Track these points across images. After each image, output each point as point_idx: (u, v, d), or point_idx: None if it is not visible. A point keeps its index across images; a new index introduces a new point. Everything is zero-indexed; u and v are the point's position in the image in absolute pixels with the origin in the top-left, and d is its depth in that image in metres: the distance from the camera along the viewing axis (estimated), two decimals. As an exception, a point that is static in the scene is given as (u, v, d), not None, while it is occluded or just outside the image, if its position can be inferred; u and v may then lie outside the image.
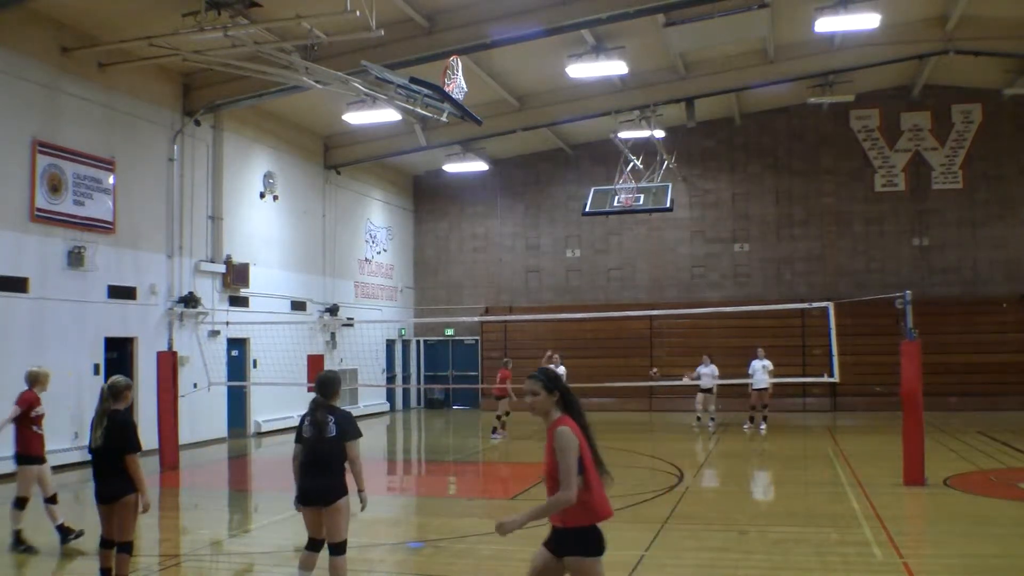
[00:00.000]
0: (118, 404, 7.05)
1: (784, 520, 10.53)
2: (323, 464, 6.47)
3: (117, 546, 7.00)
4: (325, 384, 6.71)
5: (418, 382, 28.75)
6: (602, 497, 4.73)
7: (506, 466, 16.53)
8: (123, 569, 7.04)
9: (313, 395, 6.73)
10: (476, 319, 26.30)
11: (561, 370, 18.51)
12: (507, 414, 19.42)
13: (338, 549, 6.49)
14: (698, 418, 21.16)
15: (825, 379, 14.40)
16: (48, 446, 14.24)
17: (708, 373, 20.35)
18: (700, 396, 20.93)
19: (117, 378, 7.21)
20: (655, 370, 23.07)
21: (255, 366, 20.18)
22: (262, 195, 20.95)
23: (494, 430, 19.36)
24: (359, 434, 6.63)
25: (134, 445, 6.96)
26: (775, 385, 19.60)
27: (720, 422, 21.05)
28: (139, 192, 17.08)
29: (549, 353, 19.57)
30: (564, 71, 18.92)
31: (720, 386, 22.08)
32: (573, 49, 18.36)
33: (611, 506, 4.76)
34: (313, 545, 6.62)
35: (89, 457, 7.15)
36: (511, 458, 17.32)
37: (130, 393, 7.19)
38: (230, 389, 19.43)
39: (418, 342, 29.13)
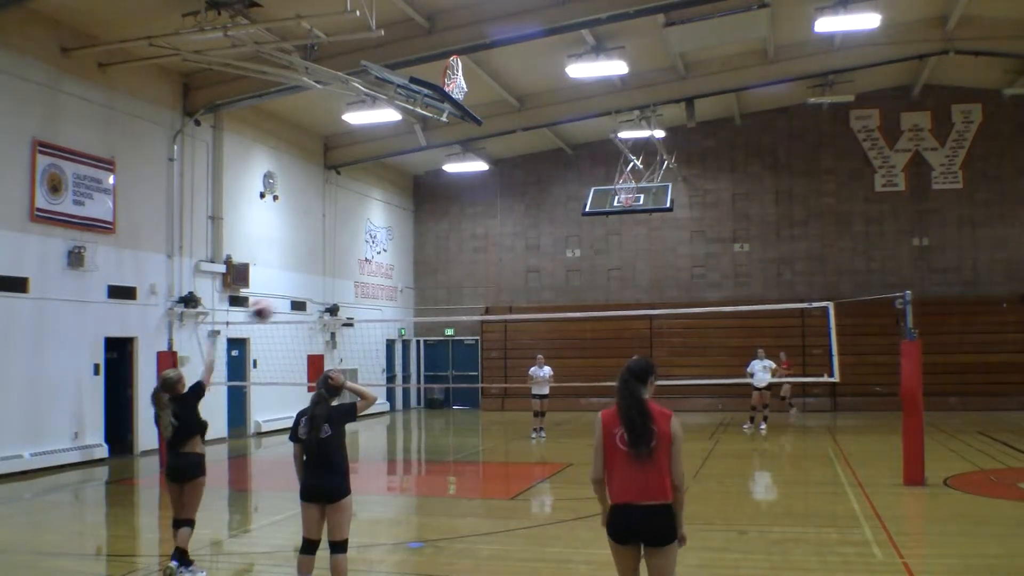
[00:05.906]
0: (178, 393, 7.80)
1: (784, 520, 10.53)
2: (326, 463, 6.47)
3: (184, 523, 7.65)
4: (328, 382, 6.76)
5: (418, 382, 28.74)
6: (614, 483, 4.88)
7: (506, 466, 16.52)
8: (184, 542, 7.56)
9: (311, 394, 6.74)
10: (476, 319, 26.30)
11: (547, 371, 18.72)
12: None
13: (340, 547, 6.50)
14: None
15: (825, 379, 14.39)
16: (48, 446, 14.50)
17: None
18: None
19: (167, 372, 7.94)
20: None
21: (255, 366, 20.18)
22: (262, 195, 20.95)
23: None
24: (353, 413, 6.68)
25: (202, 426, 7.84)
26: (772, 385, 19.47)
27: (720, 422, 21.01)
28: (139, 192, 17.07)
29: (540, 356, 19.38)
30: (564, 71, 18.90)
31: (719, 386, 22.07)
32: (573, 49, 18.35)
33: (625, 494, 4.84)
34: (308, 548, 6.60)
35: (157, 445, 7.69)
36: (511, 458, 17.33)
37: (182, 386, 7.83)
38: (230, 389, 19.43)
39: (418, 342, 29.13)
